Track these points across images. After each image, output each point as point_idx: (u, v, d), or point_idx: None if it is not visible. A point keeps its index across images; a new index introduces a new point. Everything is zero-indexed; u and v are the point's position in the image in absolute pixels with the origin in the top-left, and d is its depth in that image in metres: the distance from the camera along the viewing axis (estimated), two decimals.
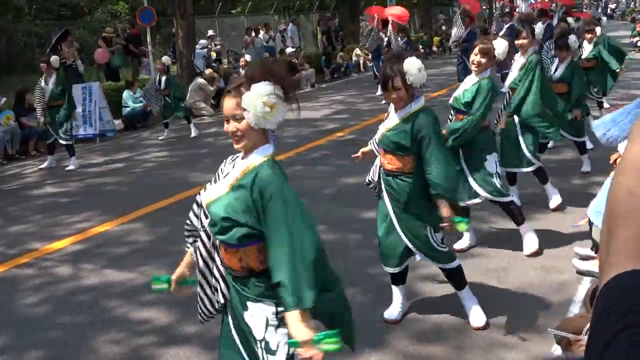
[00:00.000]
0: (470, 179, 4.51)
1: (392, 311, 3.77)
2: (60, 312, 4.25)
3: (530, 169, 5.37)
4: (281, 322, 2.19)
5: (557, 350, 3.08)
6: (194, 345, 3.65)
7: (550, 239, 4.94)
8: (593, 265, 4.14)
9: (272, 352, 2.22)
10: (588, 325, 2.32)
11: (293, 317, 2.02)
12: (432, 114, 3.45)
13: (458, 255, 4.65)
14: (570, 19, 10.81)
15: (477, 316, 3.65)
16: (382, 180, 3.63)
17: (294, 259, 2.04)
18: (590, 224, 3.89)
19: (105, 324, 4.01)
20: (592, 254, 4.29)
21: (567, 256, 4.56)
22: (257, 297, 2.21)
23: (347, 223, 5.62)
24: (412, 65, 3.31)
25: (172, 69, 12.05)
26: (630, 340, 0.66)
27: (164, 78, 10.46)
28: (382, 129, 3.54)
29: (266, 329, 2.21)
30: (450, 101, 4.66)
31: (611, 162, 3.52)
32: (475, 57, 4.48)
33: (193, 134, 10.50)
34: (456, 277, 3.69)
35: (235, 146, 2.21)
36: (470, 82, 4.55)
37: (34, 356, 3.70)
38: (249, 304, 2.22)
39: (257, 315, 2.21)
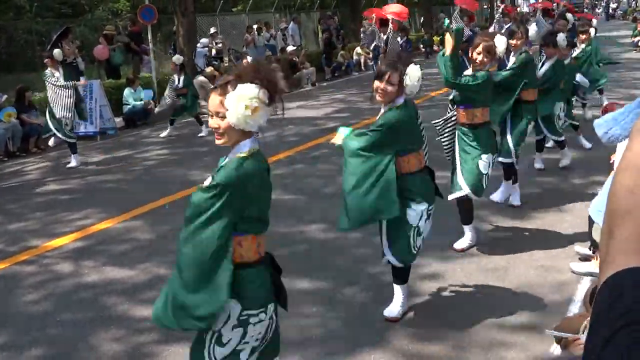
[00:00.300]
0: (459, 172, 4.54)
1: (392, 309, 3.77)
2: (61, 309, 4.25)
3: (506, 160, 5.42)
4: (240, 323, 2.31)
5: (556, 349, 3.09)
6: None
7: (550, 239, 4.94)
8: (591, 267, 4.14)
9: (221, 345, 2.34)
10: (585, 323, 2.33)
11: None
12: (395, 112, 3.43)
13: (458, 255, 4.68)
14: (569, 15, 10.78)
15: (394, 309, 3.72)
16: None
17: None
18: (591, 223, 3.89)
19: (105, 322, 4.01)
20: (590, 252, 4.30)
21: (566, 256, 4.57)
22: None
23: None
24: (415, 72, 3.38)
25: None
26: (631, 338, 0.66)
27: (182, 77, 10.42)
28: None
29: (224, 324, 2.32)
30: (451, 97, 4.68)
31: (611, 162, 3.52)
32: (478, 55, 4.46)
33: (203, 134, 10.37)
34: (402, 274, 3.74)
35: (217, 142, 2.29)
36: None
37: (34, 353, 3.70)
38: None
39: (223, 310, 2.30)
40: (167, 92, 10.65)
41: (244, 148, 2.26)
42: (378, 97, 3.47)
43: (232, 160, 2.25)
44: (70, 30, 12.79)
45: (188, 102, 10.44)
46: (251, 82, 2.14)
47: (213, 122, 2.25)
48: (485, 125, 4.57)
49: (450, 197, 4.58)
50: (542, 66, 6.38)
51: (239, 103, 2.10)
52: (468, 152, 4.53)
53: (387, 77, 3.37)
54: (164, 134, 10.65)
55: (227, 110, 2.13)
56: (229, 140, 2.25)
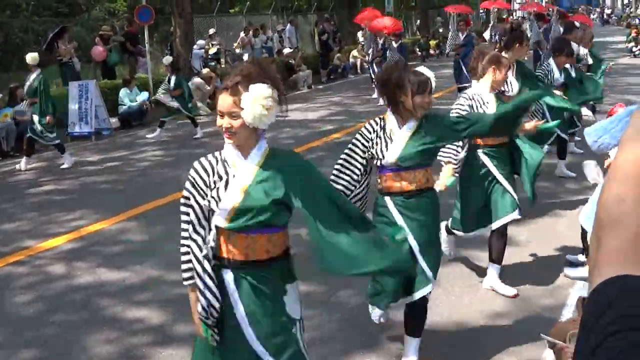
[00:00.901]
0: (511, 191, 4.19)
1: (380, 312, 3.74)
2: (53, 310, 4.23)
3: None
4: (299, 297, 2.43)
5: (549, 354, 3.10)
6: (188, 345, 3.63)
7: (543, 243, 4.96)
8: (584, 272, 4.15)
9: (304, 330, 2.42)
10: (570, 333, 2.33)
11: None
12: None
13: (451, 259, 4.68)
14: (577, 23, 10.82)
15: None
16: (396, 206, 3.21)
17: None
18: (584, 229, 3.91)
19: (98, 323, 4.00)
20: (583, 259, 4.31)
21: (560, 261, 4.58)
22: (290, 279, 2.40)
23: None
24: (430, 71, 3.24)
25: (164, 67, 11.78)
26: (623, 343, 0.66)
27: (173, 78, 10.22)
28: (397, 145, 3.12)
29: (300, 307, 2.41)
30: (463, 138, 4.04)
31: (605, 167, 3.54)
32: (500, 77, 4.15)
33: (198, 135, 10.34)
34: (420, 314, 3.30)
35: (228, 141, 2.29)
36: (487, 101, 4.15)
37: (26, 355, 3.69)
38: (287, 287, 2.37)
39: (293, 296, 2.38)
40: (160, 91, 10.53)
41: (264, 145, 2.32)
42: (422, 113, 3.11)
43: (289, 155, 2.40)
44: (67, 30, 12.79)
45: (187, 103, 10.32)
46: (262, 82, 2.17)
47: (225, 122, 2.24)
48: (503, 144, 4.30)
49: (506, 220, 4.19)
50: (560, 73, 6.40)
51: (256, 103, 2.14)
52: (507, 169, 4.24)
53: (428, 90, 3.07)
54: (151, 135, 10.48)
55: (243, 110, 2.16)
56: (241, 138, 2.27)
